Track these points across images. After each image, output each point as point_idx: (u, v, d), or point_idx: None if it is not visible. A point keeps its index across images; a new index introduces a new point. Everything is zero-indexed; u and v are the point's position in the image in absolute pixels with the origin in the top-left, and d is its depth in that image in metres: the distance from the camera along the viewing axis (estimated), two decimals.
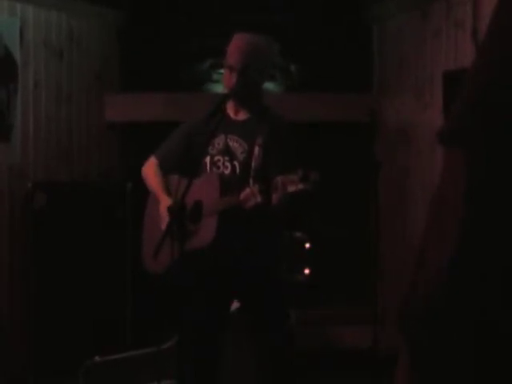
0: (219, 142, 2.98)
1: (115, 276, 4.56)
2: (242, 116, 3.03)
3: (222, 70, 5.27)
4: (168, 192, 3.07)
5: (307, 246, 4.44)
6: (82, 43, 4.93)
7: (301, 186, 2.59)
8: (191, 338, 2.97)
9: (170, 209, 2.87)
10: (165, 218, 2.96)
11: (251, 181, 2.84)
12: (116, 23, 5.19)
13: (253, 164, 2.88)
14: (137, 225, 4.59)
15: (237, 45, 2.99)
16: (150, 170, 3.16)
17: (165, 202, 3.02)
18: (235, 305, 3.21)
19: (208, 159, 2.98)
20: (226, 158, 2.95)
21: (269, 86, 5.28)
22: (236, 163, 2.94)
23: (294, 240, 4.43)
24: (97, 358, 3.76)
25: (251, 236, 2.93)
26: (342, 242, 5.13)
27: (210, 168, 2.98)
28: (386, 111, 5.01)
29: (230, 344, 3.37)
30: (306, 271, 4.42)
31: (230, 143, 2.96)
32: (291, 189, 2.61)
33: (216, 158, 2.98)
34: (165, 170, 3.12)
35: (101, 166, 5.04)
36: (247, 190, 2.76)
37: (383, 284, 4.81)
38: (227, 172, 2.95)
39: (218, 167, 2.97)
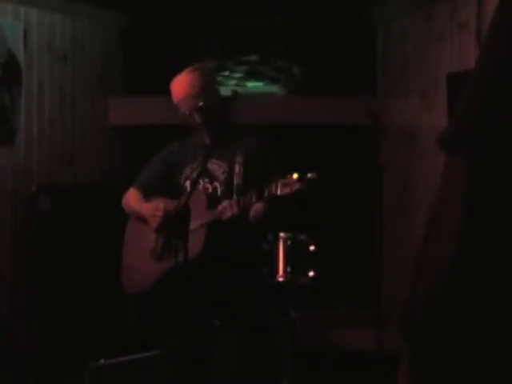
0: (197, 165, 3.02)
1: (118, 278, 4.56)
2: (218, 141, 3.06)
3: (226, 73, 5.30)
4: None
5: (311, 248, 4.43)
6: (85, 46, 4.94)
7: (296, 187, 2.59)
8: (179, 345, 2.96)
9: (177, 209, 2.89)
10: (150, 235, 3.00)
11: (235, 197, 2.88)
12: (119, 26, 5.20)
13: (235, 181, 2.92)
14: None
15: (179, 92, 3.01)
16: (132, 198, 3.19)
17: (148, 206, 3.05)
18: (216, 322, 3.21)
19: (188, 183, 3.02)
20: (206, 180, 3.00)
21: (272, 88, 5.28)
22: (217, 184, 2.99)
23: (298, 242, 4.42)
24: (101, 361, 3.76)
25: (236, 245, 2.95)
26: (346, 243, 5.12)
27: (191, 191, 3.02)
28: (389, 113, 5.01)
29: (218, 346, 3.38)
30: (311, 273, 4.41)
31: (210, 166, 3.00)
32: (285, 191, 2.61)
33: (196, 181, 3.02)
34: (146, 197, 3.15)
35: (104, 168, 5.05)
36: (225, 202, 2.80)
37: (387, 286, 4.80)
38: (208, 193, 2.99)
39: (199, 190, 3.01)
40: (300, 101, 5.12)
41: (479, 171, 0.91)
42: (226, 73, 5.21)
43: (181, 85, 3.04)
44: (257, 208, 2.80)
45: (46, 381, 4.26)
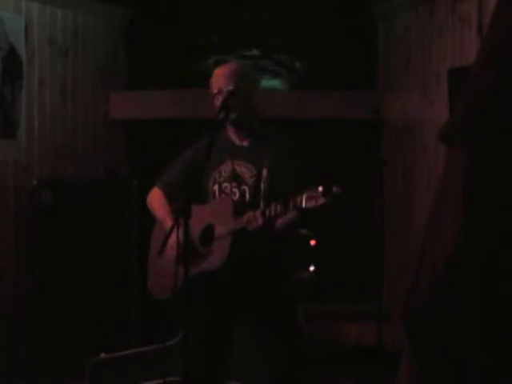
0: (225, 169, 3.00)
1: (120, 273, 4.57)
2: (246, 142, 3.03)
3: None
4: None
5: (312, 242, 4.44)
6: (87, 40, 4.93)
7: (321, 201, 2.58)
8: (198, 339, 2.96)
9: (175, 211, 2.88)
10: (172, 248, 2.95)
11: (262, 203, 2.86)
12: (121, 20, 5.20)
13: (262, 187, 2.90)
14: (142, 222, 4.60)
15: (220, 71, 3.02)
16: (155, 199, 3.16)
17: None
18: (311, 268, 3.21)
19: (216, 187, 3.00)
20: (234, 185, 2.97)
21: (273, 83, 5.28)
22: (245, 188, 2.96)
23: (300, 237, 4.43)
24: (103, 355, 3.77)
25: (262, 254, 2.94)
26: (348, 239, 5.12)
27: (219, 195, 3.00)
28: (391, 108, 5.01)
29: (241, 337, 3.39)
30: (311, 268, 4.42)
31: (238, 168, 2.97)
32: (310, 204, 2.60)
33: (224, 185, 3.00)
34: (170, 198, 3.12)
35: (106, 163, 5.05)
36: (250, 213, 2.79)
37: (388, 280, 4.81)
38: (235, 198, 2.97)
39: (227, 194, 2.99)
40: (301, 95, 5.11)
41: (479, 166, 0.91)
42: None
43: (226, 66, 3.06)
44: (283, 220, 2.80)
45: (50, 377, 4.27)
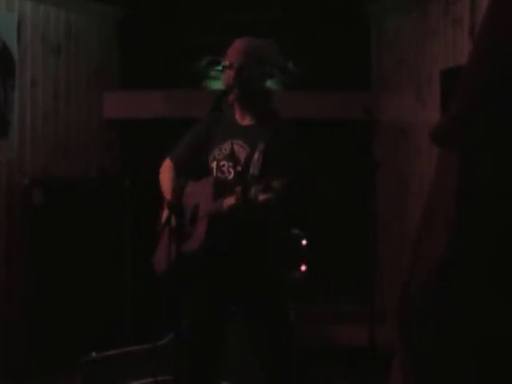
0: (226, 147, 3.00)
1: (113, 272, 4.56)
2: (248, 121, 3.04)
3: (219, 67, 5.29)
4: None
5: (304, 242, 4.44)
6: (80, 39, 4.92)
7: (265, 196, 2.59)
8: (191, 335, 2.97)
9: (168, 205, 2.91)
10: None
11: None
12: (115, 19, 5.19)
13: (251, 170, 2.88)
14: (134, 221, 4.60)
15: (236, 46, 3.04)
16: (165, 170, 3.18)
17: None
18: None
19: (215, 164, 3.01)
20: (230, 164, 2.97)
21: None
22: (240, 168, 2.96)
23: (291, 237, 4.43)
24: (93, 354, 3.76)
25: (242, 238, 2.94)
26: (340, 240, 5.13)
27: (216, 173, 3.01)
28: (384, 109, 5.02)
29: (233, 338, 3.39)
30: (303, 268, 4.42)
31: (236, 148, 2.98)
32: (262, 198, 2.62)
33: (221, 163, 3.01)
34: (180, 172, 3.13)
35: (99, 162, 5.04)
36: (219, 201, 2.80)
37: (381, 283, 4.81)
38: (230, 177, 2.97)
39: (223, 172, 2.99)
40: (294, 96, 5.12)
41: (475, 165, 0.91)
42: (221, 67, 5.20)
43: (243, 41, 3.06)
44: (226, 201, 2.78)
45: (41, 375, 4.25)
